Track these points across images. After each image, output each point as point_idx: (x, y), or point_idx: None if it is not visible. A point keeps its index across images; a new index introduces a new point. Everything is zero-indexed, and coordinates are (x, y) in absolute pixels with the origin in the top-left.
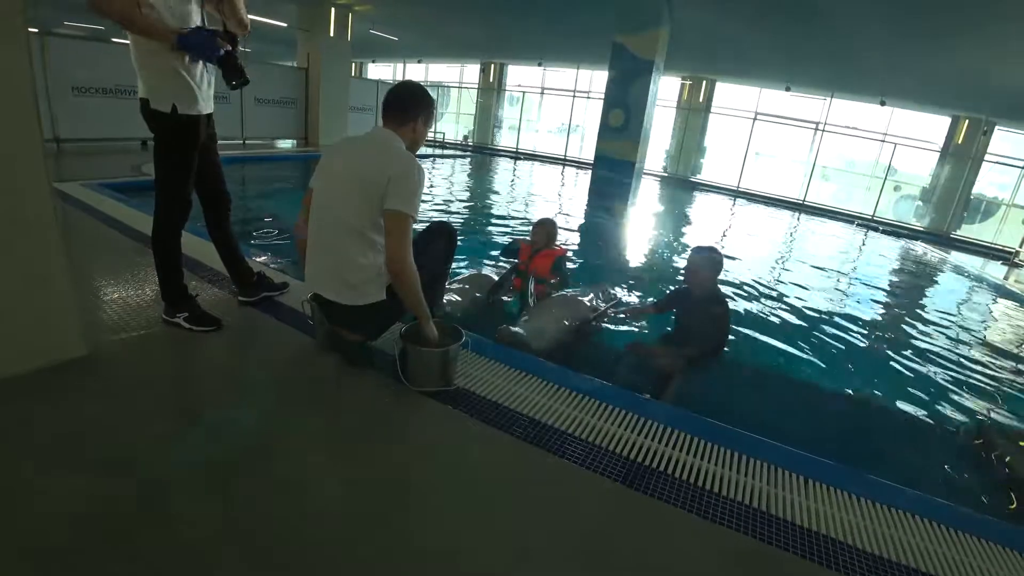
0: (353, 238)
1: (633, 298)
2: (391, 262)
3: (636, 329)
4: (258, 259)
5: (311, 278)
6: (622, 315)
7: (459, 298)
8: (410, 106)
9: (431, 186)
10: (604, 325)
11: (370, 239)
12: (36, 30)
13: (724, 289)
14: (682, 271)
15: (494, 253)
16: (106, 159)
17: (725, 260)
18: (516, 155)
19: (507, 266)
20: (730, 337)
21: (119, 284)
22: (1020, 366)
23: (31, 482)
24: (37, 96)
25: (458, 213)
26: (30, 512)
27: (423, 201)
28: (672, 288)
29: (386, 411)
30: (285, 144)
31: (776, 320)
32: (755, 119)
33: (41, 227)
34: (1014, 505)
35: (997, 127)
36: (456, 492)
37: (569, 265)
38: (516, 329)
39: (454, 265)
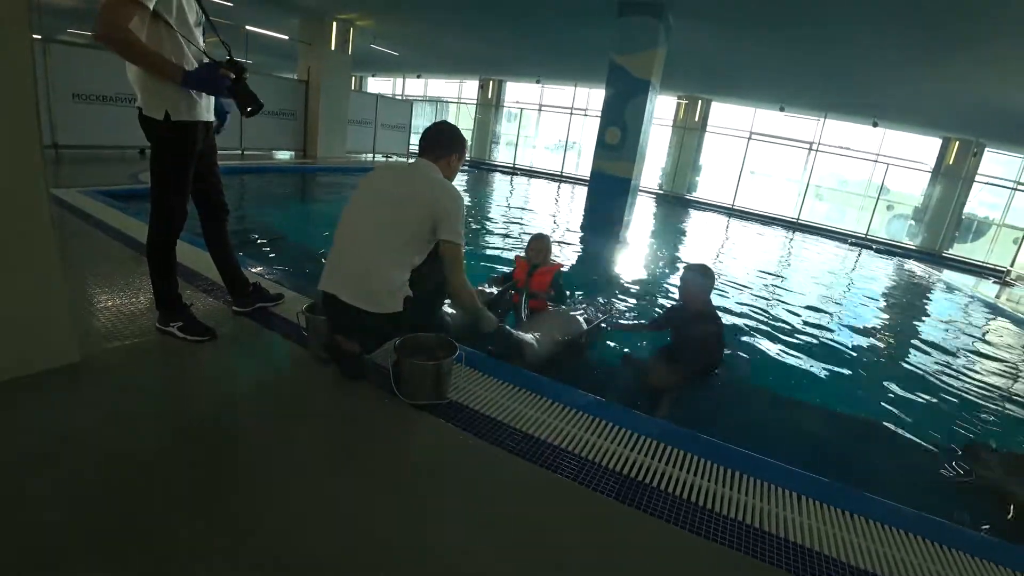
0: (390, 252)
1: (627, 314)
2: (452, 287)
3: (629, 347)
4: (254, 270)
5: (329, 281)
6: (618, 328)
7: (454, 311)
8: (447, 143)
9: None
10: (597, 340)
11: (404, 256)
12: (39, 37)
13: (718, 306)
14: (676, 288)
15: (489, 268)
16: (104, 167)
17: (720, 278)
18: (513, 171)
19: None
20: (726, 351)
21: (114, 292)
22: (1010, 383)
23: (20, 488)
24: (38, 102)
25: None
26: (19, 519)
27: None
28: (667, 304)
29: (379, 423)
30: (283, 156)
31: (769, 337)
32: (750, 138)
33: (38, 233)
34: (1005, 520)
35: (987, 148)
36: (448, 506)
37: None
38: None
39: None
